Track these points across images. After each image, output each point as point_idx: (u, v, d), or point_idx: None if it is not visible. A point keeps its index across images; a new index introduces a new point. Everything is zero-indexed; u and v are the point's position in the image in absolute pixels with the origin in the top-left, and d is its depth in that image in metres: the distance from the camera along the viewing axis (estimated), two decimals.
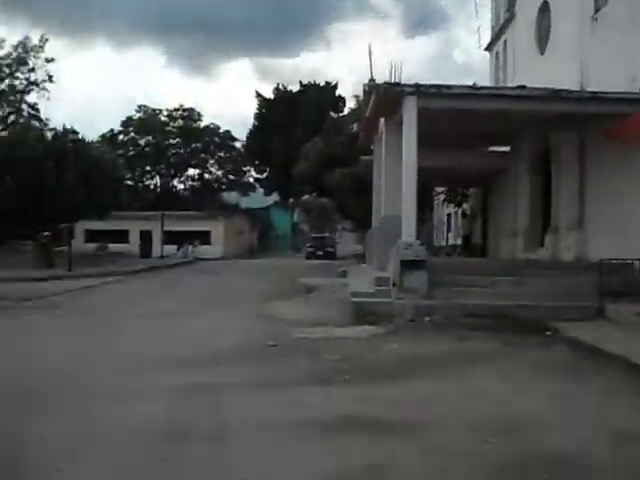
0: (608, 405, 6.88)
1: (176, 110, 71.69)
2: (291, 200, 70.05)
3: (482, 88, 14.87)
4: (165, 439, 5.69)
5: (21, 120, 52.81)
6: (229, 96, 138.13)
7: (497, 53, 29.51)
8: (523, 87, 14.99)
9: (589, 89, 15.79)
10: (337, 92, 66.53)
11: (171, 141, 71.73)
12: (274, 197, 71.77)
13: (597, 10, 17.26)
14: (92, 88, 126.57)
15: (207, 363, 9.14)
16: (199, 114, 72.19)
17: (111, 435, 5.86)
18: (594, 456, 5.22)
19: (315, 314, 14.14)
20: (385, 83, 14.70)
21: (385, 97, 14.94)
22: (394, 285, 13.84)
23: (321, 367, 8.84)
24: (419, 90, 14.17)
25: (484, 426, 6.02)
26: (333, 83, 67.07)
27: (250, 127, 68.76)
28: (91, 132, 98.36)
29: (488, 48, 31.28)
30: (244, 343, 10.74)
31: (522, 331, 11.62)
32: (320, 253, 48.72)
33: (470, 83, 24.97)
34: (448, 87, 14.56)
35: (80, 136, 36.81)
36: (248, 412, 6.59)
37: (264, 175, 69.80)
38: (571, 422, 6.22)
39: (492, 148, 27.41)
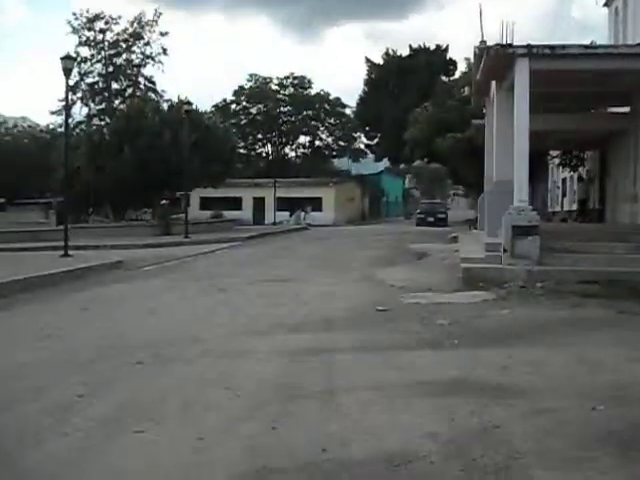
0: None
1: (286, 78, 72.33)
2: (402, 166, 69.62)
3: (599, 47, 14.32)
4: (277, 398, 5.96)
5: (138, 93, 54.84)
6: (339, 62, 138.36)
7: (616, 8, 28.17)
8: None
9: None
10: (448, 55, 65.10)
11: (282, 109, 72.48)
12: (385, 163, 71.45)
13: None
14: (205, 59, 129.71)
15: (318, 327, 9.39)
16: (309, 81, 72.61)
17: (225, 392, 6.17)
18: None
19: (425, 279, 14.19)
20: (496, 45, 14.38)
21: (496, 59, 14.64)
22: (505, 251, 13.67)
23: (431, 331, 8.93)
24: (531, 51, 13.79)
25: (594, 393, 5.97)
26: (444, 46, 65.66)
27: (360, 93, 68.50)
28: (205, 102, 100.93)
29: (607, 4, 29.93)
30: (355, 308, 10.94)
31: (638, 298, 11.29)
32: (431, 219, 46.60)
33: (588, 42, 24.12)
34: (562, 47, 14.11)
35: (194, 107, 37.71)
36: (357, 374, 6.77)
37: (375, 141, 69.48)
38: None
39: (610, 109, 26.36)
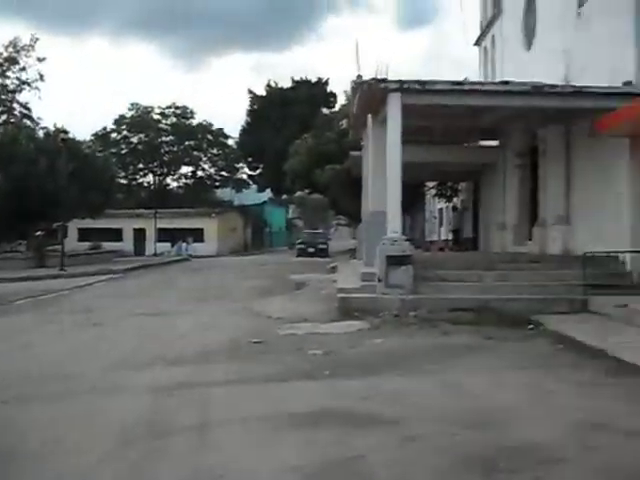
0: (581, 397, 7.00)
1: (168, 107, 71.63)
2: (284, 196, 70.03)
3: (465, 84, 14.93)
4: (147, 434, 5.82)
5: (12, 120, 52.82)
6: (223, 93, 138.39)
7: (485, 48, 29.58)
8: (506, 82, 15.11)
9: (574, 84, 15.89)
10: (328, 88, 66.46)
11: (164, 139, 71.66)
12: (267, 194, 71.73)
13: (581, 5, 17.38)
14: (87, 86, 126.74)
15: (194, 361, 9.27)
16: (192, 111, 72.20)
17: (93, 428, 6.00)
18: (560, 446, 5.34)
19: (302, 310, 14.28)
20: (370, 80, 14.76)
21: (370, 94, 15.04)
22: (380, 280, 13.95)
23: (304, 362, 8.97)
24: (402, 86, 14.25)
25: (456, 419, 6.15)
26: (324, 79, 66.95)
27: (243, 124, 68.67)
28: (86, 131, 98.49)
29: (477, 43, 31.33)
30: (232, 340, 10.87)
31: (505, 325, 11.76)
32: (311, 250, 45.38)
33: (463, 77, 25.17)
34: (432, 83, 14.62)
35: (71, 135, 36.73)
36: (230, 408, 6.72)
37: (257, 172, 69.75)
38: (542, 414, 6.35)
39: (482, 142, 27.57)
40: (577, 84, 15.43)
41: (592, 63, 16.29)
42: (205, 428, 6.00)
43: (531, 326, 11.65)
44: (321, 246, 46.92)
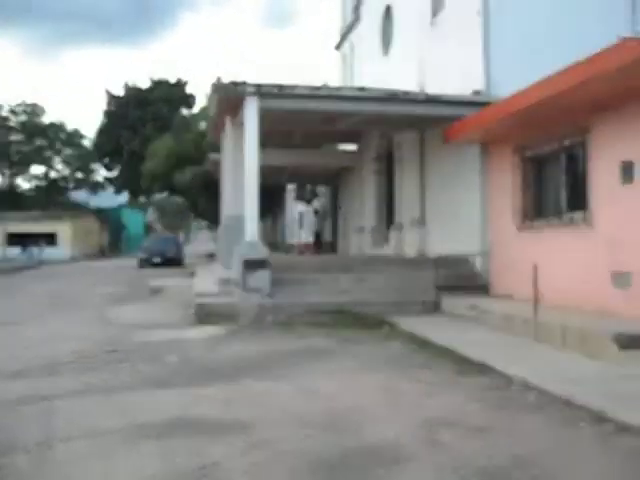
0: (432, 396, 7.26)
1: (18, 105, 68.53)
2: (142, 199, 68.62)
3: (323, 89, 15.14)
4: None
5: None
6: (76, 90, 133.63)
7: (345, 53, 30.21)
8: (363, 89, 15.50)
9: (429, 91, 16.49)
10: (187, 89, 65.81)
11: (13, 137, 68.47)
12: (125, 196, 70.07)
13: (434, 15, 18.08)
14: None
15: (39, 372, 8.87)
16: (43, 109, 69.43)
17: None
18: (409, 445, 5.52)
19: (159, 316, 14.10)
20: (228, 83, 14.70)
21: (227, 96, 14.98)
22: (237, 284, 13.95)
23: (159, 370, 8.83)
24: (260, 90, 14.31)
25: (311, 421, 6.24)
26: (183, 80, 66.22)
27: (99, 124, 66.72)
28: None
29: (337, 47, 31.93)
30: (83, 350, 10.51)
31: (361, 327, 12.07)
32: (157, 260, 37.58)
33: (324, 81, 25.57)
34: (291, 87, 14.76)
35: None
36: (78, 421, 6.46)
37: (114, 173, 67.96)
38: (394, 414, 6.54)
39: (342, 147, 28.13)
40: (431, 92, 16.04)
41: (445, 71, 17.02)
42: (50, 444, 5.75)
43: (386, 328, 11.98)
44: (170, 254, 38.77)
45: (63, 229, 54.49)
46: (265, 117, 14.75)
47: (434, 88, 16.60)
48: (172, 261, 37.54)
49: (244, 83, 14.50)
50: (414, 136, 19.10)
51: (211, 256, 35.77)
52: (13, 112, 68.92)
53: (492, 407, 6.77)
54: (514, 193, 13.97)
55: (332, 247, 29.69)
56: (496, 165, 14.73)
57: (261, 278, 13.84)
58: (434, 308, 13.85)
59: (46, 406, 7.03)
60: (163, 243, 41.25)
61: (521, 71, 12.41)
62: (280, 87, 14.58)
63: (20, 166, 69.87)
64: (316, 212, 34.61)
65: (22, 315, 15.38)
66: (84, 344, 11.02)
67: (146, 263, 37.18)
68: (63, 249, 53.28)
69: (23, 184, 72.08)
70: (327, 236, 31.55)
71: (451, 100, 15.23)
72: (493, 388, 7.54)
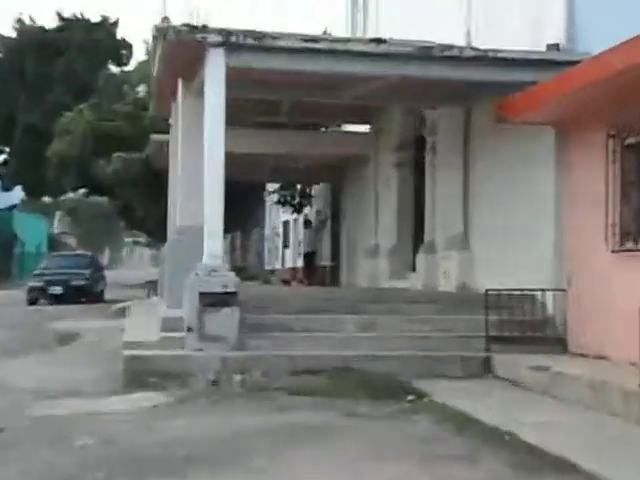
0: None
1: None
2: (46, 199, 68.35)
3: (322, 40, 15.11)
4: None
5: None
6: None
7: None
8: (380, 40, 15.41)
9: (479, 45, 16.43)
10: (119, 34, 65.12)
11: None
12: (19, 194, 69.66)
13: None
14: None
15: None
16: None
17: None
18: None
19: (69, 377, 14.07)
20: (180, 26, 14.71)
21: (180, 48, 14.95)
22: (190, 330, 13.89)
23: (67, 459, 8.70)
24: (229, 40, 14.22)
25: None
26: (112, 19, 65.28)
27: None
28: None
29: None
30: None
31: (373, 395, 11.98)
32: (57, 291, 34.40)
33: (320, 30, 25.58)
34: (274, 37, 14.74)
35: None
36: None
37: (2, 158, 67.36)
38: None
39: (347, 128, 28.19)
40: (483, 46, 15.99)
41: (505, 16, 17.00)
42: None
43: (410, 397, 11.91)
44: (78, 282, 35.45)
45: None
46: (236, 82, 14.74)
47: (487, 41, 16.57)
48: (82, 292, 34.60)
49: (204, 27, 14.52)
50: (456, 114, 19.08)
51: (149, 286, 35.55)
52: None
53: None
54: (610, 199, 13.65)
55: (332, 275, 29.65)
56: (581, 157, 14.57)
57: (226, 319, 13.79)
58: (482, 369, 13.80)
59: None
60: (69, 265, 37.91)
61: (620, 17, 12.34)
62: (259, 36, 14.55)
63: None
64: (308, 223, 34.58)
65: None
66: None
67: (41, 295, 34.33)
68: None
69: None
70: (324, 259, 31.51)
71: (513, 58, 15.22)
72: None
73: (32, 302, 33.28)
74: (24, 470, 8.38)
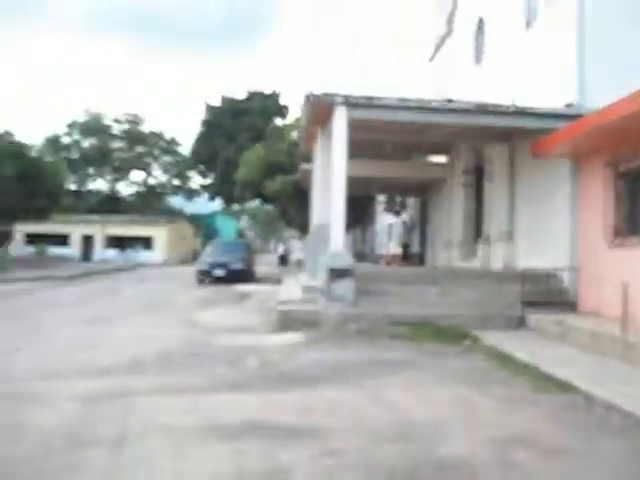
0: (508, 413, 7.06)
1: (122, 114, 71.04)
2: (235, 206, 69.67)
3: (411, 100, 15.01)
4: (66, 445, 5.69)
5: None
6: (175, 100, 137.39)
7: (438, 64, 29.94)
8: (450, 101, 15.29)
9: (521, 103, 16.12)
10: (281, 100, 66.53)
11: (115, 145, 70.97)
12: (219, 203, 71.36)
13: (528, 26, 17.72)
14: (39, 91, 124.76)
15: (125, 371, 9.09)
16: (144, 118, 71.72)
17: (12, 438, 5.87)
18: (480, 463, 5.37)
19: (243, 321, 14.26)
20: (318, 93, 14.80)
21: (317, 107, 15.08)
22: (322, 293, 13.96)
23: (238, 374, 8.89)
24: (349, 100, 14.35)
25: (382, 432, 6.15)
26: (277, 92, 66.95)
27: (197, 133, 68.27)
28: (38, 134, 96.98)
29: (431, 59, 31.65)
30: (167, 350, 10.72)
31: (443, 340, 11.85)
32: (220, 274, 28.91)
33: (417, 94, 25.37)
34: (379, 98, 14.73)
35: (19, 138, 36.16)
36: (154, 419, 6.58)
37: (209, 181, 69.34)
38: (468, 430, 6.38)
39: (432, 158, 27.87)
40: (523, 104, 15.67)
41: (538, 82, 16.65)
42: (126, 440, 5.88)
43: (468, 341, 11.74)
44: (236, 266, 29.64)
45: (159, 234, 56.00)
46: (354, 128, 14.77)
47: (526, 100, 16.25)
48: (239, 275, 29.03)
49: (334, 94, 14.56)
50: (504, 149, 18.75)
51: (300, 264, 35.79)
52: (116, 121, 71.50)
53: (572, 428, 6.52)
54: (605, 208, 13.51)
55: (420, 259, 29.41)
56: (587, 179, 14.29)
57: (345, 287, 13.82)
58: (519, 323, 13.48)
59: (127, 403, 7.20)
60: (228, 252, 31.37)
61: (617, 84, 11.96)
62: (369, 98, 14.59)
63: (121, 172, 72.33)
64: (404, 224, 34.38)
65: (113, 315, 15.81)
66: (169, 345, 11.25)
67: (207, 276, 29.10)
68: (158, 253, 54.75)
69: (123, 189, 74.65)
70: (415, 248, 31.28)
71: (542, 113, 14.87)
72: (575, 408, 7.27)
73: (200, 281, 28.95)
74: (212, 378, 8.63)
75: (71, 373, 8.86)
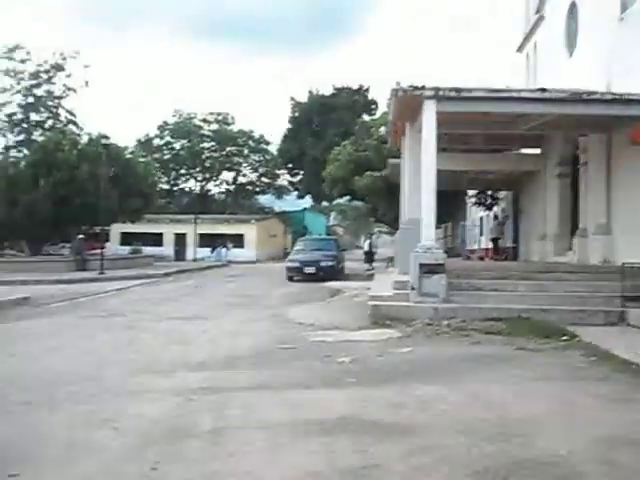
0: (609, 412, 6.85)
1: (210, 114, 72.44)
2: (324, 203, 70.01)
3: (502, 91, 14.71)
4: (164, 437, 5.87)
5: (58, 125, 53.91)
6: (262, 98, 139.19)
7: (527, 54, 29.32)
8: (543, 90, 14.86)
9: (616, 90, 15.63)
10: (370, 95, 66.28)
11: (205, 145, 72.45)
12: (308, 200, 71.91)
13: (623, 10, 17.14)
14: (130, 93, 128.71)
15: (220, 366, 9.30)
16: (233, 118, 72.92)
17: (113, 430, 6.09)
18: (581, 462, 5.23)
19: (334, 317, 14.32)
20: (406, 87, 14.72)
21: (405, 101, 15.00)
22: (413, 289, 13.88)
23: (330, 370, 8.95)
24: (438, 94, 14.19)
25: (479, 430, 6.06)
26: (365, 87, 66.74)
27: (284, 130, 69.03)
28: (130, 136, 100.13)
29: (520, 49, 31.05)
30: (260, 346, 10.91)
31: (538, 335, 11.56)
32: (310, 271, 28.69)
33: (506, 84, 24.92)
34: (469, 90, 14.52)
35: (113, 141, 37.47)
36: (250, 413, 6.70)
37: (297, 178, 69.93)
38: (566, 428, 6.22)
39: (524, 150, 27.31)
40: (619, 91, 15.16)
41: (635, 69, 16.03)
42: (222, 433, 6.01)
43: (565, 337, 11.44)
44: (326, 263, 29.27)
45: (249, 231, 56.88)
46: (444, 121, 14.61)
47: (622, 87, 15.67)
48: (329, 271, 28.65)
49: (422, 87, 14.44)
50: (600, 138, 18.18)
51: (389, 260, 35.67)
52: (205, 121, 72.97)
53: None
54: None
55: (513, 253, 28.88)
56: None
57: (436, 282, 13.69)
58: (618, 319, 13.00)
59: (223, 397, 7.36)
60: (318, 248, 31.51)
61: None
62: (458, 90, 14.37)
63: (211, 172, 73.80)
64: (496, 218, 33.80)
65: (206, 311, 16.19)
66: (262, 341, 11.44)
67: (298, 273, 29.02)
68: (249, 250, 55.58)
69: (213, 188, 76.17)
70: (507, 242, 30.71)
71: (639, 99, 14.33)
72: None
73: (290, 278, 28.91)
74: (303, 372, 8.77)
75: (169, 367, 9.13)
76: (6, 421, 6.49)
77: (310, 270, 28.66)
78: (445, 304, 13.46)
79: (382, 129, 37.57)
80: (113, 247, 49.29)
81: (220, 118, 72.52)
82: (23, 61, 54.75)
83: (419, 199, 15.07)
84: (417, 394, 7.51)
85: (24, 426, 6.29)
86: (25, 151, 48.94)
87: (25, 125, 55.85)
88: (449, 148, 21.14)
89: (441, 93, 14.25)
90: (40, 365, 9.44)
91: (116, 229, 50.70)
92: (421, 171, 14.60)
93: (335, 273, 28.99)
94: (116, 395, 7.51)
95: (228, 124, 72.72)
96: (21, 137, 55.44)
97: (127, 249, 50.95)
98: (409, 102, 15.05)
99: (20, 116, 55.91)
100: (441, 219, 15.61)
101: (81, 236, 34.82)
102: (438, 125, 14.41)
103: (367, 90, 66.53)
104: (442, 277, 13.78)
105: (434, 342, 11.27)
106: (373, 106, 63.70)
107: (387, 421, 6.39)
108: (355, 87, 66.43)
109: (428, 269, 13.78)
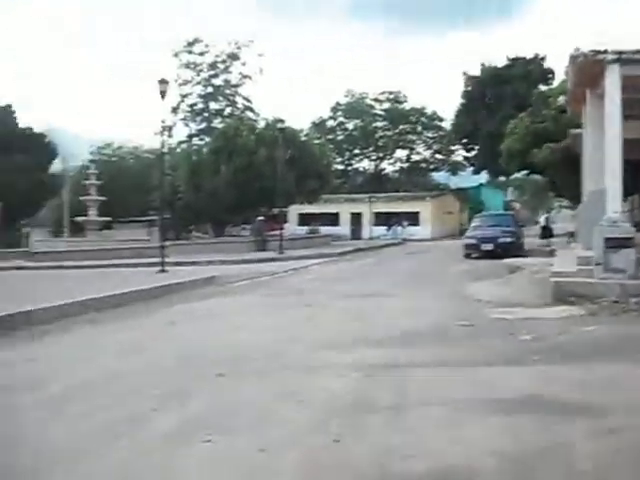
0: None
1: (382, 93, 72.65)
2: (501, 178, 68.25)
3: None
4: (345, 412, 6.02)
5: (236, 112, 56.35)
6: (434, 75, 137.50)
7: None
8: None
9: None
10: (546, 64, 63.36)
11: (378, 124, 72.82)
12: (484, 176, 70.29)
13: None
14: (304, 76, 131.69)
15: (398, 343, 9.36)
16: (404, 96, 72.69)
17: (295, 402, 6.34)
18: None
19: (514, 294, 14.02)
20: (585, 51, 14.03)
21: (585, 67, 14.29)
22: (598, 264, 13.25)
23: (511, 348, 8.79)
24: (621, 57, 13.39)
25: None
26: (541, 55, 63.87)
27: (457, 105, 67.73)
28: (304, 119, 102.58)
29: None
30: (438, 323, 10.88)
31: None
32: (488, 248, 27.81)
33: None
34: None
35: (288, 124, 38.71)
36: (429, 390, 6.72)
37: (472, 154, 68.49)
38: None
39: None
40: None
41: None
42: (401, 408, 6.08)
43: None
44: (504, 239, 28.37)
45: (424, 209, 56.73)
46: (629, 86, 13.78)
47: None
48: (508, 248, 27.33)
49: (604, 51, 13.70)
50: None
51: (570, 235, 34.22)
52: (377, 100, 73.27)
53: None
54: None
55: None
56: None
57: (624, 258, 12.97)
58: None
59: (403, 373, 7.43)
60: (495, 224, 30.52)
61: None
62: None
63: (384, 151, 74.11)
64: None
65: (383, 289, 16.34)
66: (440, 318, 11.40)
67: (476, 250, 28.21)
68: (424, 228, 55.45)
69: (387, 167, 76.50)
70: None
71: None
72: None
73: (467, 256, 28.00)
74: (485, 351, 8.54)
75: (348, 344, 9.30)
76: (207, 392, 6.92)
77: (488, 247, 27.85)
78: (634, 280, 12.72)
79: (560, 98, 35.96)
80: (291, 228, 50.79)
81: (392, 97, 72.57)
82: (202, 53, 57.68)
83: (603, 170, 14.37)
84: (603, 374, 7.23)
85: (214, 400, 6.66)
86: (206, 138, 51.57)
87: (206, 114, 58.84)
88: (633, 115, 19.93)
89: (625, 56, 13.45)
90: (226, 341, 9.93)
91: (294, 210, 52.20)
92: (605, 140, 13.88)
93: (514, 249, 27.66)
94: (298, 370, 7.77)
95: (400, 102, 72.64)
96: (202, 125, 58.53)
97: (305, 229, 52.38)
98: (590, 68, 14.33)
99: (201, 106, 59.06)
100: (627, 191, 14.70)
101: (261, 218, 36.27)
102: (622, 90, 13.62)
103: (543, 59, 63.63)
104: (631, 252, 13.03)
105: (620, 321, 10.75)
106: (550, 75, 60.81)
107: (572, 401, 6.19)
108: (530, 57, 63.76)
109: (615, 243, 13.08)
